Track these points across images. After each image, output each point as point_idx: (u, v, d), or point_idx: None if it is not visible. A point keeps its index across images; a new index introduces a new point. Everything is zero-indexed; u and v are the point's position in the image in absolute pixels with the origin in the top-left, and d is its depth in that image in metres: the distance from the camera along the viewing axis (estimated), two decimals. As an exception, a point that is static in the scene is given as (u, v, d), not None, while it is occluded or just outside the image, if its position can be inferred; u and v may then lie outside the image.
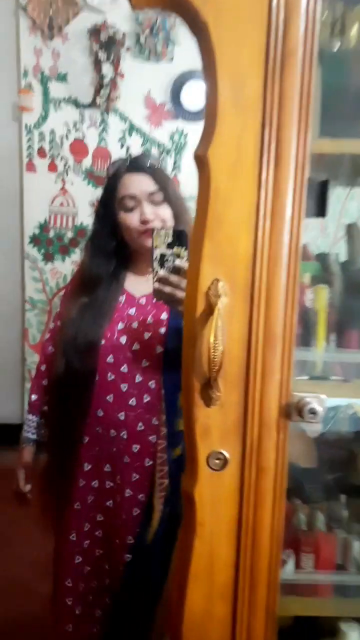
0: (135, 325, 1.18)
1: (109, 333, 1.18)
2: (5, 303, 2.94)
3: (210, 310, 0.59)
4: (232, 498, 0.62)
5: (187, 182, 2.67)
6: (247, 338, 0.60)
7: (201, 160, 0.58)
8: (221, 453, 0.62)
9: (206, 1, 0.53)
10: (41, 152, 2.75)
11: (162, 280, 1.04)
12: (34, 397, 1.33)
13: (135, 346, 1.17)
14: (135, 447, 1.18)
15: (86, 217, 2.76)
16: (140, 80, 2.72)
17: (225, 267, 0.59)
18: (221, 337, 0.58)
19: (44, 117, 2.74)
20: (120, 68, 2.68)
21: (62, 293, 2.65)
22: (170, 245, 1.04)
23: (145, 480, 1.20)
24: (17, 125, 2.74)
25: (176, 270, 1.03)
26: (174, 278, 1.03)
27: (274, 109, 0.56)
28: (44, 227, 2.84)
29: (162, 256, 1.04)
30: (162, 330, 1.17)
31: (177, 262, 1.04)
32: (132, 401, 1.17)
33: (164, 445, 1.17)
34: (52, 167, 2.78)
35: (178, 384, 1.07)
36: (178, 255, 1.04)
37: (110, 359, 1.18)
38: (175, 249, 1.04)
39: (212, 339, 0.57)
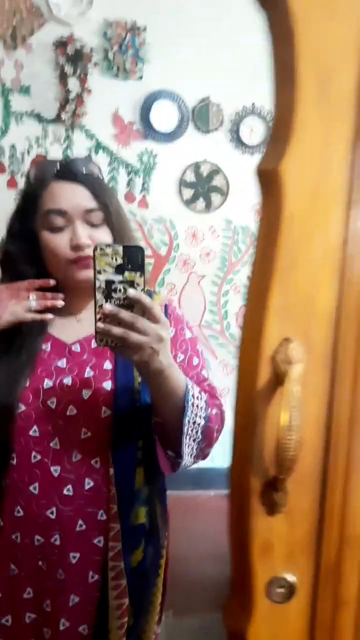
0: (68, 381, 0.89)
1: (30, 395, 0.89)
2: None
3: (277, 381, 0.42)
4: (300, 636, 0.45)
5: (157, 206, 2.54)
6: (327, 421, 0.43)
7: (269, 178, 0.42)
8: (285, 579, 0.45)
9: None
10: (0, 168, 2.54)
11: (108, 318, 0.76)
12: None
13: (71, 410, 0.88)
14: (74, 557, 0.88)
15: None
16: (109, 97, 2.58)
17: (298, 324, 0.43)
18: (296, 420, 0.41)
19: (3, 131, 2.54)
20: (88, 83, 2.53)
21: None
22: (119, 269, 0.77)
23: (89, 604, 0.88)
24: (-27, 138, 2.52)
25: (129, 304, 0.77)
26: (125, 314, 0.76)
27: (373, 113, 0.41)
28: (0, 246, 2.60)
29: (109, 284, 0.77)
30: (108, 385, 0.89)
31: (131, 292, 0.76)
32: (68, 489, 0.88)
33: (117, 550, 0.88)
34: (12, 184, 2.57)
35: (132, 459, 0.84)
36: (131, 283, 0.77)
37: (33, 431, 0.88)
38: (127, 274, 0.77)
39: (284, 423, 0.41)
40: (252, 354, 0.43)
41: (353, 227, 0.42)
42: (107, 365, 0.91)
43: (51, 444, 0.88)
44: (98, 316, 0.77)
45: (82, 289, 0.90)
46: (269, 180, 0.42)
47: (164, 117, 2.66)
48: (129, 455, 0.88)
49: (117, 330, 0.76)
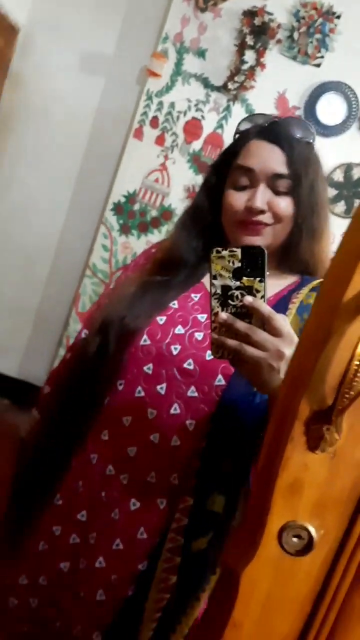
0: (199, 336, 0.85)
1: (159, 332, 0.85)
2: (68, 264, 2.81)
3: (369, 300, 0.35)
4: (302, 603, 0.38)
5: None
6: None
7: None
8: (306, 529, 0.37)
9: None
10: (154, 122, 2.60)
11: (224, 328, 0.69)
12: (46, 389, 1.02)
13: (189, 364, 0.83)
14: (135, 504, 0.84)
15: (176, 201, 2.59)
16: (280, 77, 2.52)
17: None
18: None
19: (168, 88, 2.59)
20: (264, 58, 2.49)
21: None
22: (237, 274, 0.69)
23: (130, 559, 0.83)
24: (138, 88, 2.61)
25: (246, 313, 0.69)
26: (241, 325, 0.68)
27: None
28: (130, 197, 2.68)
29: (225, 290, 0.69)
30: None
31: (248, 299, 0.68)
32: (154, 437, 0.83)
33: (181, 525, 0.82)
34: (160, 141, 2.62)
35: (228, 442, 0.71)
36: (250, 290, 0.69)
37: (148, 368, 0.85)
38: (246, 280, 0.69)
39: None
40: (348, 261, 0.36)
41: None
42: None
43: (158, 387, 0.84)
44: (214, 325, 0.70)
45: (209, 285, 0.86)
46: None
47: (330, 109, 2.55)
48: (225, 437, 0.81)
49: (231, 342, 0.68)
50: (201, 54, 2.55)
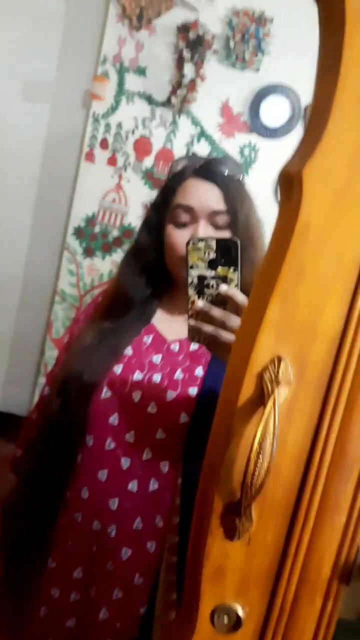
0: (157, 378, 0.88)
1: (118, 382, 0.88)
2: (36, 292, 2.82)
3: (260, 400, 0.39)
4: (236, 675, 0.42)
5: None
6: (308, 454, 0.39)
7: (290, 181, 0.38)
8: (233, 609, 0.42)
9: None
10: (104, 144, 2.62)
11: (200, 315, 0.74)
12: (18, 451, 1.03)
13: (152, 408, 0.87)
14: (126, 553, 0.86)
15: (136, 218, 2.61)
16: (221, 86, 2.55)
17: (294, 343, 0.39)
18: (271, 445, 0.38)
19: (113, 108, 2.61)
20: (203, 70, 2.52)
21: (95, 292, 2.51)
22: (212, 264, 0.74)
23: (131, 604, 0.85)
24: (84, 111, 2.62)
25: (221, 301, 0.74)
26: (217, 312, 0.73)
27: None
28: (90, 220, 2.70)
29: (201, 279, 0.74)
30: (194, 391, 0.87)
31: (223, 288, 0.74)
32: (133, 485, 0.86)
33: (171, 563, 0.84)
34: (112, 161, 2.64)
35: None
36: (224, 279, 0.74)
37: (113, 418, 0.87)
38: (220, 270, 0.74)
39: (256, 446, 0.38)
40: (239, 366, 0.40)
41: (376, 247, 0.37)
42: (199, 371, 0.88)
43: (126, 436, 0.87)
44: (190, 312, 0.75)
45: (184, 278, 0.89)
46: (290, 184, 0.38)
47: (274, 112, 2.59)
48: (199, 467, 0.84)
49: (208, 328, 0.73)
50: (141, 71, 2.58)
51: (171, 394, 0.86)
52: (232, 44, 2.54)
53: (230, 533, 0.40)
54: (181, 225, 0.91)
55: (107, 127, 2.58)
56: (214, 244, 0.74)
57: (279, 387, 0.38)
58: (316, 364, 0.39)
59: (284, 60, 2.54)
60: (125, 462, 0.87)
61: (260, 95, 2.56)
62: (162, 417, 0.86)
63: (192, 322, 0.75)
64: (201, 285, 0.74)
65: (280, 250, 0.39)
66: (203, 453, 0.83)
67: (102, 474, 0.88)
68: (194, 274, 0.75)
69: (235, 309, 0.74)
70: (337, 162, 0.37)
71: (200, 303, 0.74)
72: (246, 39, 2.57)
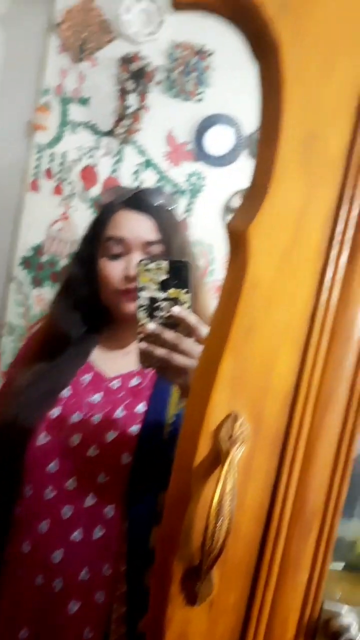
0: (97, 419, 0.85)
1: (56, 427, 0.84)
2: (-17, 324, 2.72)
3: (216, 460, 0.38)
4: None
5: (198, 229, 2.53)
6: (268, 511, 0.39)
7: (236, 238, 0.39)
8: None
9: (285, 9, 0.35)
10: (48, 174, 2.60)
11: (151, 338, 0.71)
12: None
13: (92, 451, 0.84)
14: (73, 607, 0.81)
15: (84, 248, 2.59)
16: (165, 117, 2.60)
17: (248, 398, 0.39)
18: (229, 505, 0.37)
19: (57, 139, 2.60)
20: (146, 101, 2.56)
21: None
22: (164, 286, 0.72)
23: None
24: (27, 142, 2.60)
25: (173, 323, 0.72)
26: (169, 335, 0.71)
27: (359, 182, 0.37)
28: (38, 250, 2.66)
29: (152, 301, 0.72)
30: (135, 430, 0.84)
31: (175, 310, 0.72)
32: (77, 534, 0.82)
33: (121, 613, 0.81)
34: (58, 191, 2.62)
35: (150, 515, 0.76)
36: (176, 300, 0.72)
37: (52, 466, 0.83)
38: (172, 291, 0.72)
39: (214, 507, 0.37)
40: (194, 425, 0.39)
41: (323, 300, 0.38)
42: (141, 407, 0.86)
43: (67, 483, 0.83)
44: (140, 336, 0.72)
45: (131, 321, 0.87)
46: (236, 241, 0.39)
47: (218, 141, 2.66)
48: (145, 511, 0.79)
49: (160, 351, 0.71)
50: (84, 102, 2.59)
51: (112, 435, 0.84)
52: (174, 75, 2.59)
53: (192, 599, 0.39)
54: (114, 257, 0.90)
55: (52, 156, 2.56)
56: (165, 264, 0.73)
57: (236, 445, 0.38)
58: (272, 418, 0.39)
59: (226, 91, 2.62)
60: (67, 511, 0.83)
61: (204, 125, 2.62)
62: (104, 459, 0.83)
63: (143, 345, 0.72)
64: (152, 307, 0.73)
65: (230, 306, 0.39)
66: (147, 493, 0.82)
67: (43, 526, 0.83)
68: (144, 296, 0.73)
69: (188, 331, 0.73)
70: (282, 220, 0.38)
71: (151, 325, 0.72)
72: (188, 71, 2.63)
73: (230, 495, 0.37)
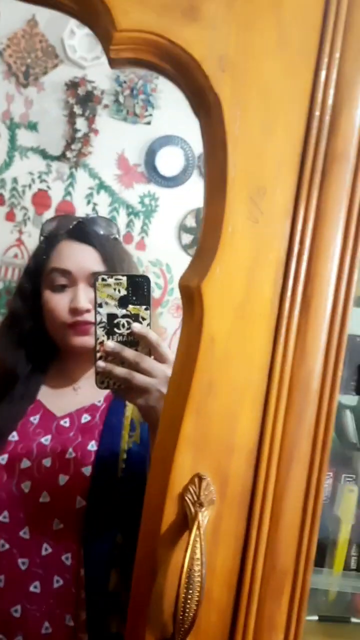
0: (47, 463, 0.81)
1: (4, 475, 0.80)
2: None
3: (184, 524, 0.37)
4: None
5: (154, 249, 2.53)
6: (239, 574, 0.38)
7: (190, 294, 0.38)
8: None
9: (224, 66, 0.35)
10: (0, 199, 2.55)
11: (110, 357, 0.68)
12: None
13: (44, 497, 0.80)
14: None
15: (40, 274, 2.54)
16: (115, 139, 2.60)
17: (212, 458, 0.38)
18: (199, 572, 0.36)
19: (7, 164, 2.56)
20: (95, 124, 2.56)
21: None
22: (123, 302, 0.69)
23: None
24: (-24, 168, 2.55)
25: (133, 341, 0.69)
26: (129, 353, 0.68)
27: (307, 234, 0.37)
28: (-8, 278, 2.58)
29: (111, 318, 0.69)
30: (87, 471, 0.80)
31: (136, 327, 0.69)
32: (35, 586, 0.79)
33: None
34: (10, 217, 2.57)
35: (108, 558, 0.74)
36: (136, 317, 0.70)
37: (3, 517, 0.80)
38: (132, 308, 0.69)
39: (184, 576, 0.35)
40: (159, 489, 0.38)
41: (279, 354, 0.38)
42: (92, 446, 0.82)
43: (20, 533, 0.79)
44: (99, 354, 0.69)
45: (80, 355, 0.83)
46: (190, 298, 0.38)
47: (169, 162, 2.68)
48: (102, 554, 0.76)
49: (119, 370, 0.68)
50: (33, 127, 2.56)
51: (63, 479, 0.80)
52: (121, 98, 2.61)
53: (167, 672, 0.37)
54: (59, 289, 0.88)
55: (2, 182, 2.52)
56: (124, 280, 0.70)
57: (202, 508, 0.37)
58: (237, 478, 0.38)
59: (174, 113, 2.65)
60: (23, 563, 0.79)
61: (154, 147, 2.64)
62: (57, 505, 0.80)
63: (102, 364, 0.69)
64: (111, 324, 0.70)
65: (188, 364, 0.38)
66: (103, 535, 0.79)
67: (0, 581, 0.80)
68: (103, 312, 0.69)
69: (148, 349, 0.70)
70: (233, 275, 0.37)
71: (110, 344, 0.69)
72: (135, 94, 2.65)
73: (199, 562, 0.35)
